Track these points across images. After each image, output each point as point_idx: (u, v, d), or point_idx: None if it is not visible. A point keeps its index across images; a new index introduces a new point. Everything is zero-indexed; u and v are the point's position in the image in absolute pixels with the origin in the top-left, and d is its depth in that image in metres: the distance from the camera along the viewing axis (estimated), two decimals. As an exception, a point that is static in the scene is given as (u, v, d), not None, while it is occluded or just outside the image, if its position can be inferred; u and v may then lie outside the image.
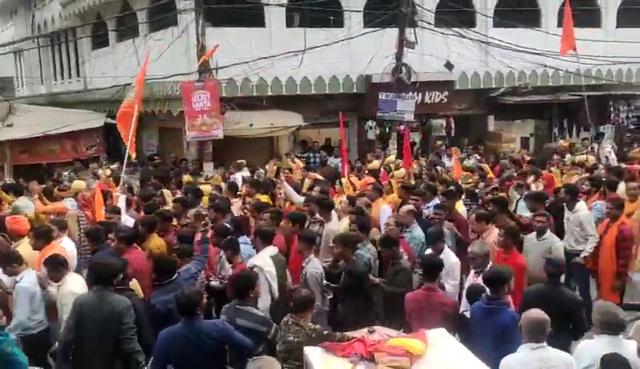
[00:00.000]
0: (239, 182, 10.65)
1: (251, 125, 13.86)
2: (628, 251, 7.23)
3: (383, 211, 8.03)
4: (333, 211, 7.83)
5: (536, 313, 4.33)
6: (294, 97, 14.65)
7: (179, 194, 9.65)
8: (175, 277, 5.59)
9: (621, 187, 8.85)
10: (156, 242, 6.82)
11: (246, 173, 11.88)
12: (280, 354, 4.79)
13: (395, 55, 14.60)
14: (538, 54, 15.49)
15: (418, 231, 7.22)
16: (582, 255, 7.53)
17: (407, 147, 11.74)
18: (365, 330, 4.81)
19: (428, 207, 8.13)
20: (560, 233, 7.69)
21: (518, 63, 16.18)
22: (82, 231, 7.82)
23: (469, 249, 6.10)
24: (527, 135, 18.63)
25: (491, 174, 10.92)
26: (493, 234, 6.83)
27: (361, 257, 6.40)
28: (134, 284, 5.67)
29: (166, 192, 9.88)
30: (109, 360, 4.91)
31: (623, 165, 11.30)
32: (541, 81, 16.76)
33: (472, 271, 6.01)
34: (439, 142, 16.38)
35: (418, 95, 15.12)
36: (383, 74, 14.58)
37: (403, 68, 14.62)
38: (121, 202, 8.57)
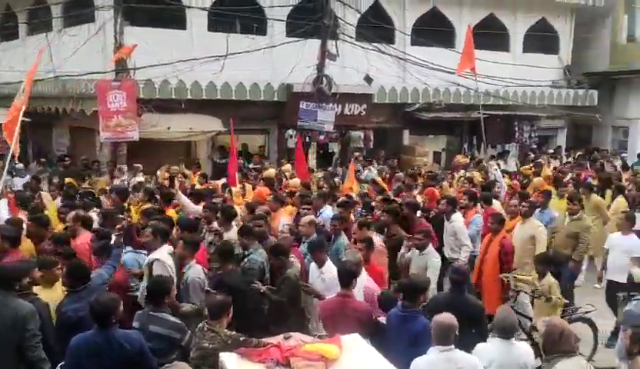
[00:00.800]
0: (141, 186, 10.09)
1: (168, 128, 13.58)
2: (510, 265, 7.54)
3: (282, 221, 8.00)
4: (234, 222, 7.63)
5: (445, 317, 4.54)
6: (214, 102, 14.50)
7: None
8: (87, 284, 5.37)
9: (496, 203, 9.52)
10: (25, 246, 6.48)
11: (140, 178, 11.48)
12: (193, 360, 4.68)
13: (316, 66, 14.83)
14: (452, 73, 16.24)
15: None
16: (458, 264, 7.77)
17: (301, 156, 11.76)
18: (281, 336, 4.84)
19: (319, 215, 8.32)
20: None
21: (433, 80, 16.90)
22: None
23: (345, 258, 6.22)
24: (439, 150, 19.41)
25: (385, 187, 10.98)
26: (376, 240, 7.03)
27: (254, 262, 6.30)
28: None
29: (44, 194, 9.38)
30: (11, 369, 4.63)
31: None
32: (453, 99, 17.54)
33: None
34: (357, 153, 16.72)
35: (338, 106, 15.40)
36: (304, 84, 14.76)
37: (324, 78, 14.87)
38: (2, 205, 8.18)
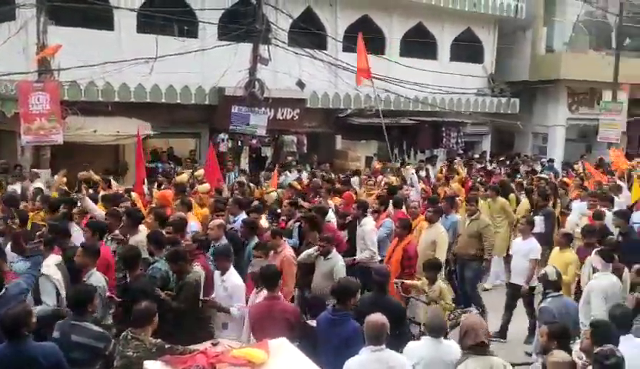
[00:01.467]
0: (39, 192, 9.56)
1: (94, 132, 13.16)
2: (411, 270, 7.64)
3: (191, 226, 7.89)
4: (143, 226, 7.46)
5: (377, 317, 4.64)
6: (143, 105, 14.19)
7: None
8: (2, 292, 5.14)
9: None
10: None
11: (39, 184, 10.95)
12: (116, 369, 4.62)
13: (248, 70, 14.79)
14: (382, 79, 16.60)
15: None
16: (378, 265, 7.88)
17: (214, 162, 11.61)
18: (209, 342, 4.82)
19: (235, 221, 8.29)
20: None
21: (363, 87, 17.21)
22: None
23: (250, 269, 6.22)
24: (371, 155, 19.77)
25: (302, 191, 11.04)
26: (287, 248, 7.09)
27: (157, 270, 6.14)
28: None
29: None
30: None
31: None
32: (384, 105, 17.93)
33: (254, 290, 6.01)
34: (290, 158, 16.81)
35: (270, 111, 15.41)
36: (236, 88, 14.68)
37: (256, 83, 14.84)
38: None
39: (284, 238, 7.35)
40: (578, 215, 10.15)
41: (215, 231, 7.20)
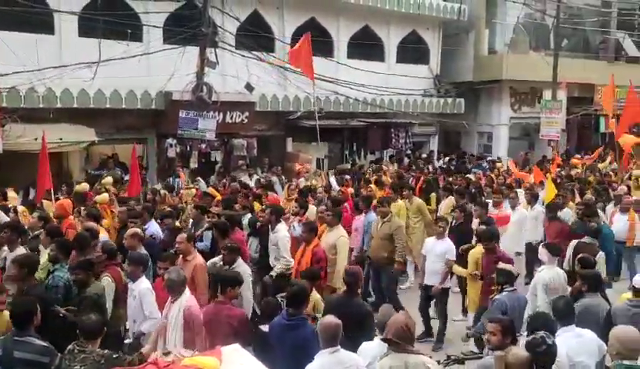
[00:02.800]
0: None
1: (35, 139, 12.70)
2: (322, 272, 7.37)
3: (101, 237, 7.65)
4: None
5: (330, 319, 4.69)
6: (86, 110, 13.82)
7: None
8: None
9: (312, 209, 9.71)
10: None
11: None
12: (63, 385, 4.47)
13: (195, 74, 14.60)
14: (331, 81, 16.70)
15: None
16: (272, 273, 7.93)
17: (135, 169, 11.33)
18: (160, 351, 4.74)
19: (146, 229, 8.12)
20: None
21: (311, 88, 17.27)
22: None
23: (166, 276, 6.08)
24: (322, 157, 19.85)
25: (219, 197, 10.79)
26: (198, 256, 6.91)
27: (59, 279, 5.99)
28: None
29: None
30: None
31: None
32: (334, 107, 18.05)
33: (170, 298, 5.85)
34: (241, 162, 16.71)
35: (219, 115, 15.26)
36: (184, 92, 14.48)
37: (204, 86, 14.67)
38: None
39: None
40: None
41: (129, 240, 7.04)
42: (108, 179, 11.76)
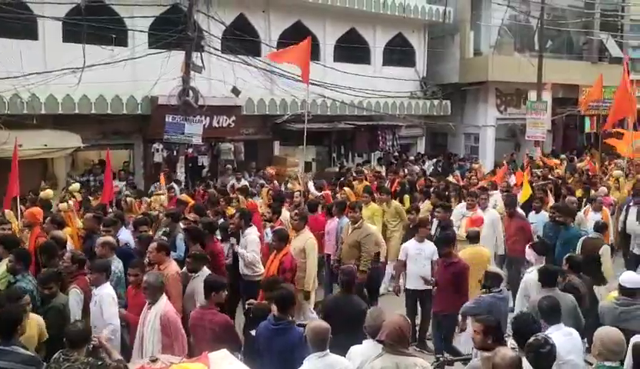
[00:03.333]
0: None
1: (20, 146, 12.57)
2: (288, 282, 6.78)
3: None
4: None
5: (318, 323, 4.68)
6: (72, 116, 13.72)
7: None
8: None
9: (286, 215, 9.54)
10: None
11: None
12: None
13: (182, 78, 14.54)
14: (317, 85, 16.72)
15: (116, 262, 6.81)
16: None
17: (109, 174, 10.96)
18: (148, 358, 4.71)
19: (118, 236, 7.91)
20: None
21: (300, 92, 17.25)
22: None
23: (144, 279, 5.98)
24: (310, 160, 19.85)
25: (192, 203, 10.46)
26: (172, 265, 6.71)
27: (23, 291, 5.70)
28: None
29: None
30: None
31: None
32: (320, 110, 18.05)
33: (147, 303, 5.77)
34: (228, 166, 16.66)
35: (206, 119, 15.18)
36: (170, 97, 14.39)
37: (190, 91, 14.61)
38: None
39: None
40: (458, 216, 9.97)
41: (100, 249, 6.86)
42: (75, 186, 11.53)
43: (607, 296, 6.39)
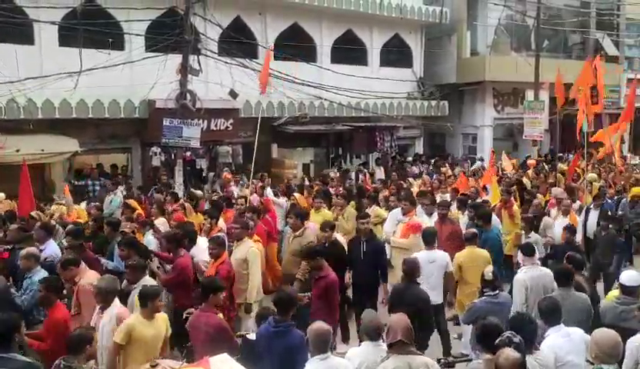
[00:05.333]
0: None
1: (17, 151, 12.56)
2: (228, 292, 6.91)
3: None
4: None
5: (319, 325, 4.68)
6: (69, 120, 13.69)
7: None
8: None
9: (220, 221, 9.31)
10: None
11: None
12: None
13: (179, 81, 14.52)
14: (314, 86, 16.70)
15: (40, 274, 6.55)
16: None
17: (26, 185, 9.94)
18: (148, 364, 4.69)
19: (42, 250, 7.58)
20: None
21: (297, 94, 17.28)
22: None
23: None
24: (307, 162, 19.85)
25: (140, 211, 10.25)
26: (88, 275, 6.49)
27: None
28: None
29: None
30: None
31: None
32: (318, 112, 18.04)
33: (98, 308, 5.76)
34: (226, 169, 16.62)
35: (203, 122, 15.16)
36: (167, 100, 14.37)
37: (188, 94, 14.59)
38: None
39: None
40: (394, 222, 9.38)
41: (24, 261, 6.66)
42: (1, 195, 11.20)
43: (607, 296, 6.37)
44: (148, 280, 6.34)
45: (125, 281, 6.56)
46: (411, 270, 6.46)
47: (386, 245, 8.63)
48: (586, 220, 10.87)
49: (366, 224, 8.12)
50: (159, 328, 5.44)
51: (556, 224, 10.08)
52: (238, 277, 7.28)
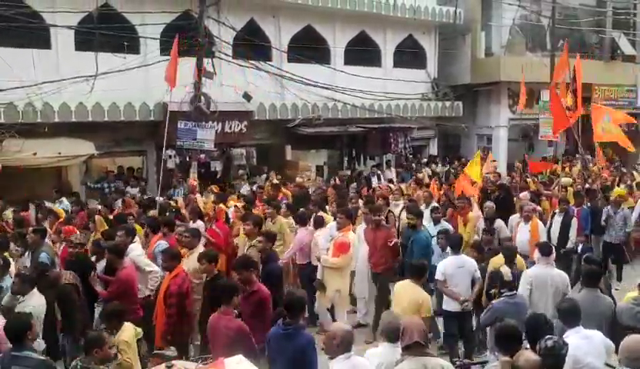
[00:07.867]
0: None
1: (34, 154, 12.71)
2: (171, 310, 6.55)
3: None
4: None
5: (344, 327, 4.80)
6: (85, 124, 13.82)
7: None
8: None
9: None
10: None
11: None
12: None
13: (193, 84, 14.61)
14: (327, 88, 16.71)
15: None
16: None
17: None
18: (163, 365, 4.70)
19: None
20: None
21: (310, 96, 17.29)
22: None
23: None
24: (321, 164, 19.86)
25: (62, 217, 10.05)
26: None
27: None
28: None
29: None
30: None
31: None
32: (331, 114, 18.04)
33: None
34: (241, 171, 16.70)
35: (217, 124, 15.24)
36: (181, 103, 14.46)
37: (202, 97, 14.68)
38: None
39: None
40: (327, 238, 8.76)
41: None
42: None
43: (625, 297, 6.31)
44: (35, 294, 6.03)
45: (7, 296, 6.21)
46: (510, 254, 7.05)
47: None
48: (550, 225, 10.48)
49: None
50: None
51: (518, 231, 9.84)
52: (193, 287, 6.95)
